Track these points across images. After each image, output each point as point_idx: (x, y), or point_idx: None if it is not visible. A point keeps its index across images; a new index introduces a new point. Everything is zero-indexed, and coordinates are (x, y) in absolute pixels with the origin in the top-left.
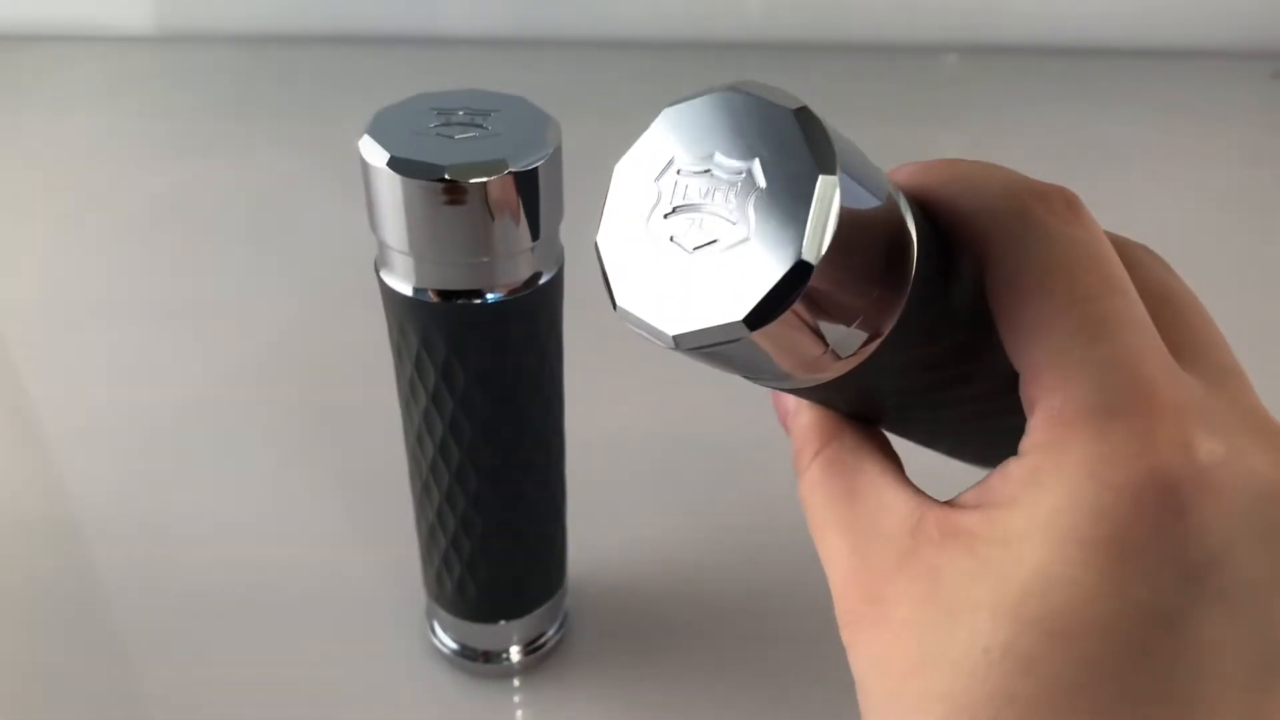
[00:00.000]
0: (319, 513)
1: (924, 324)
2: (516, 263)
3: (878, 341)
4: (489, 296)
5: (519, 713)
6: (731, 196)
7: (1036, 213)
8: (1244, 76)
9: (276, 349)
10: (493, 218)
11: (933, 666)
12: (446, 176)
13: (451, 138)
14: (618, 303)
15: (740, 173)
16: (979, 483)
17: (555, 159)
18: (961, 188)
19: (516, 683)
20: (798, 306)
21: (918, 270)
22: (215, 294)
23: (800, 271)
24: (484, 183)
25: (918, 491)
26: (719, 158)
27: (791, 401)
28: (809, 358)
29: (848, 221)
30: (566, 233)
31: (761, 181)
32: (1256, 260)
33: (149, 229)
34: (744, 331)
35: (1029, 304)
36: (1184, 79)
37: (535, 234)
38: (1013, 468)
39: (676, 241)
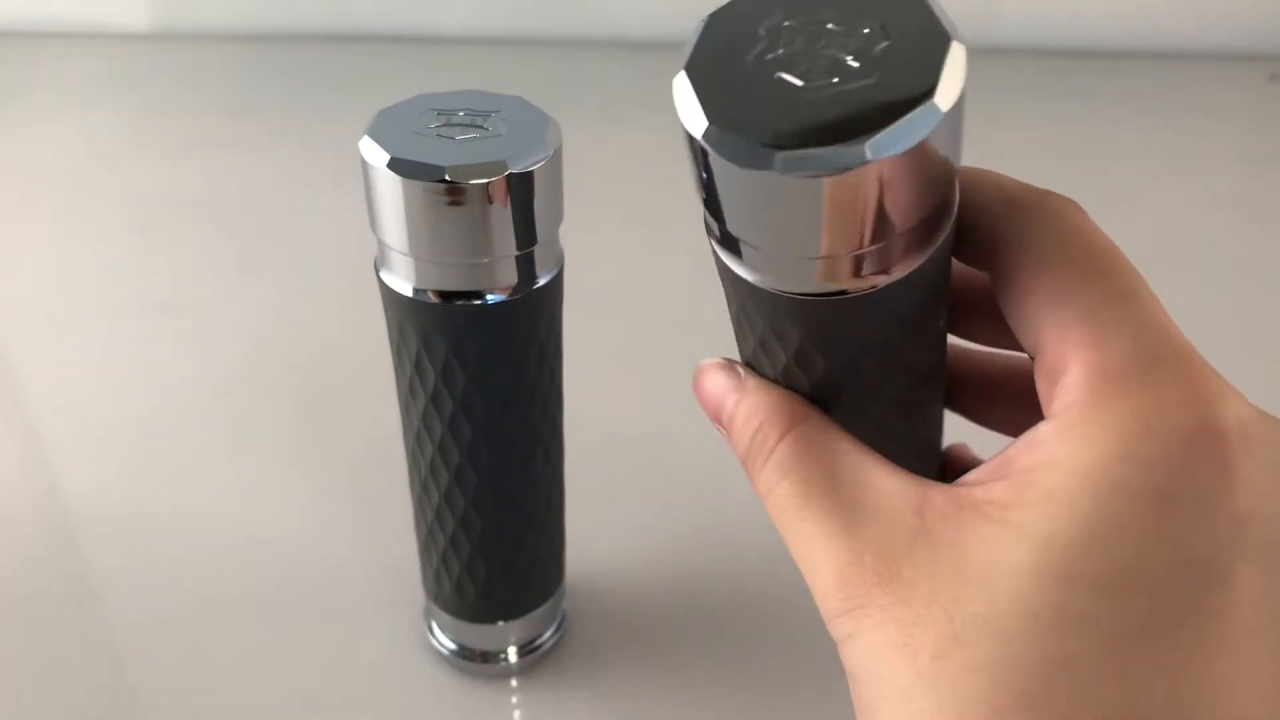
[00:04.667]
0: (317, 513)
1: (923, 287)
2: (516, 264)
3: (887, 279)
4: (489, 298)
5: (517, 713)
6: (854, 45)
7: (1053, 201)
8: (1241, 78)
9: (275, 348)
10: (493, 219)
11: (971, 639)
12: (447, 178)
13: (452, 139)
14: (710, 124)
15: (864, 28)
16: (988, 462)
17: (555, 160)
18: (973, 177)
19: (514, 683)
20: (890, 168)
21: (949, 233)
22: (213, 292)
23: (929, 115)
24: (484, 184)
25: (907, 472)
26: (837, 18)
27: (733, 385)
28: (839, 251)
29: (944, 123)
30: (566, 234)
31: (888, 38)
32: (1254, 261)
33: (146, 227)
34: (862, 157)
35: (1056, 271)
36: (1181, 81)
37: (535, 235)
38: (1044, 430)
39: (785, 76)
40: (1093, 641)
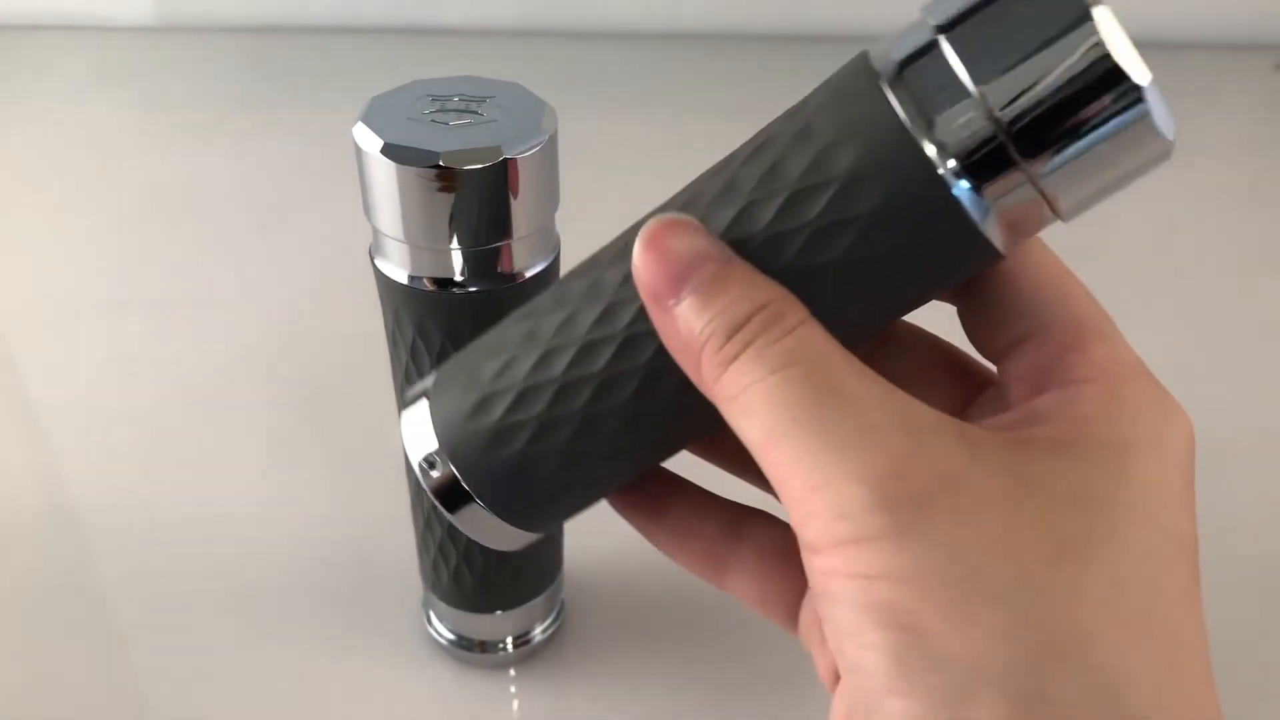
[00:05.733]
0: (315, 502)
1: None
2: (512, 250)
3: (1013, 229)
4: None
5: (515, 703)
6: None
7: None
8: (1246, 69)
9: (273, 339)
10: (488, 205)
11: (1083, 558)
12: (441, 163)
13: (446, 124)
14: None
15: None
16: (1004, 415)
17: (551, 146)
18: None
19: (512, 673)
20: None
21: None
22: (212, 284)
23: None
24: (479, 169)
25: None
26: None
27: (716, 251)
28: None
29: None
30: (562, 222)
31: None
32: (1258, 252)
33: (146, 220)
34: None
35: (1070, 280)
36: (1186, 71)
37: (531, 221)
38: (1089, 390)
39: None
40: (1185, 582)
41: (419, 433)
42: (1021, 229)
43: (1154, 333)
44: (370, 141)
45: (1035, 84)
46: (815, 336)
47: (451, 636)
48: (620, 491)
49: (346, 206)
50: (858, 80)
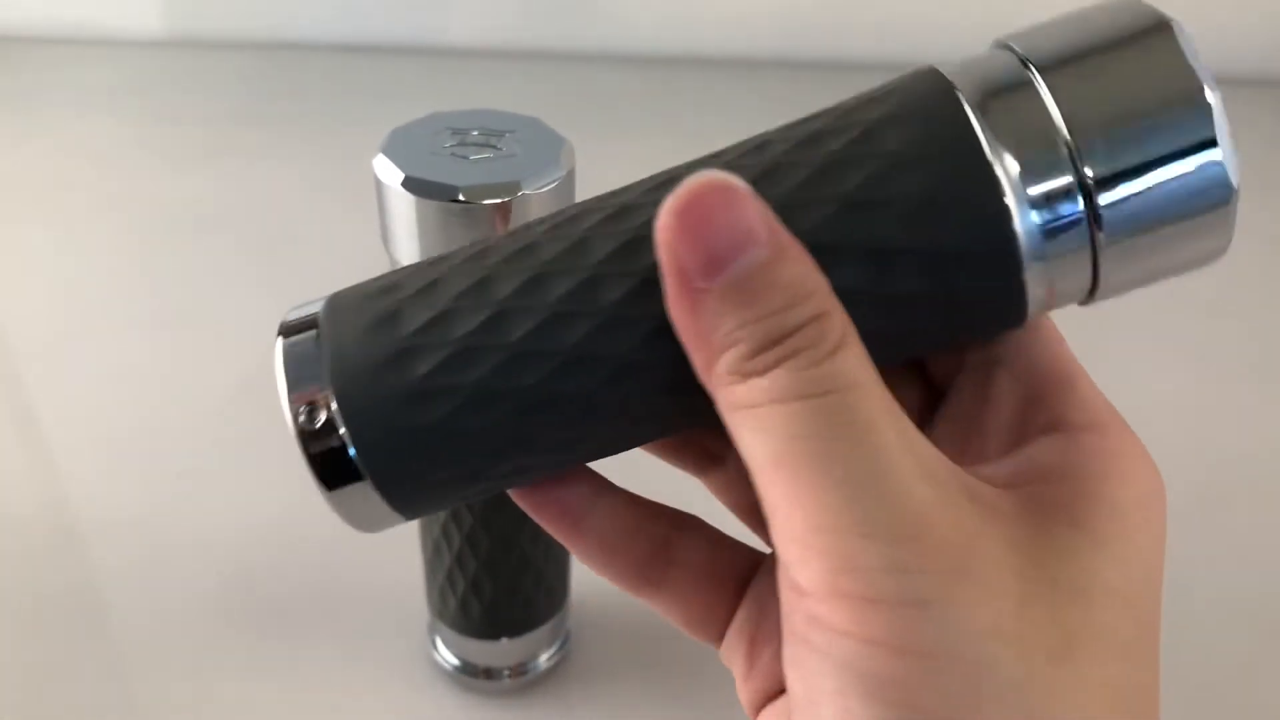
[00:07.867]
0: (323, 525)
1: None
2: None
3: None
4: None
5: None
6: None
7: None
8: (1261, 103)
9: None
10: None
11: (1087, 653)
12: (461, 197)
13: (466, 158)
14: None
15: None
16: (1019, 455)
17: (569, 181)
18: None
19: (517, 700)
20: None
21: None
22: (222, 302)
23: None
24: (498, 204)
25: None
26: None
27: (778, 232)
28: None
29: None
30: None
31: None
32: (1271, 286)
33: (156, 234)
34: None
35: (1062, 345)
36: None
37: None
38: (1088, 441)
39: None
40: (1154, 681)
41: (301, 374)
42: (1049, 299)
43: (1171, 372)
44: (391, 174)
45: (1134, 153)
46: (853, 360)
47: (456, 663)
48: (529, 488)
49: (359, 223)
50: (936, 100)
